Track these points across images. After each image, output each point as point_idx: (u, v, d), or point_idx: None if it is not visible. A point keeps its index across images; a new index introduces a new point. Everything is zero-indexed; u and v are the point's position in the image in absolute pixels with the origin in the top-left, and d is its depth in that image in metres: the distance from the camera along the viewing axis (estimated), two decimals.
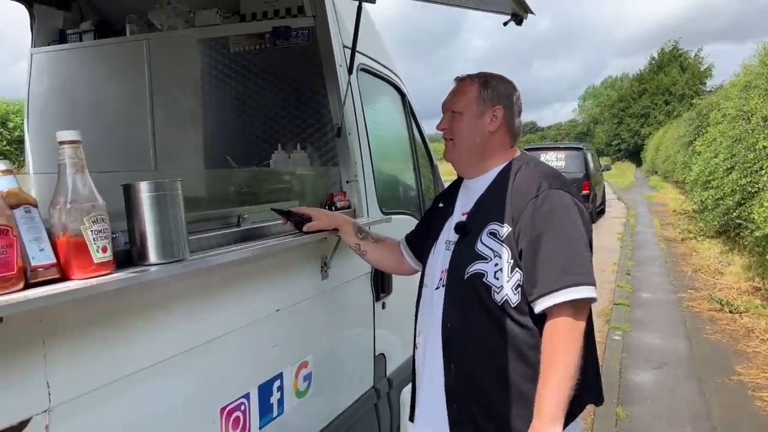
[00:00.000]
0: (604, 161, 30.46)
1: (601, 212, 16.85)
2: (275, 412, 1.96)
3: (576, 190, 1.72)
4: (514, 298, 1.59)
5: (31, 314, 1.14)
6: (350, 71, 2.51)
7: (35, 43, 3.24)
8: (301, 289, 2.11)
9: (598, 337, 5.91)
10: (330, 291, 2.29)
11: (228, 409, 1.74)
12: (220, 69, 2.88)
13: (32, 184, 2.99)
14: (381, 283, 2.72)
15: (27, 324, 1.15)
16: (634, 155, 46.05)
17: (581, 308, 1.54)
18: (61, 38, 3.26)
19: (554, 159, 14.99)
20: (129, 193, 1.40)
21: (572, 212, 1.60)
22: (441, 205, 1.92)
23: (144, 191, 1.40)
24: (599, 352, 5.44)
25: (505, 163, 1.74)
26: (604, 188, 17.91)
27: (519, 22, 2.37)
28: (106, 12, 3.29)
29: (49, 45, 3.25)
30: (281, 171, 2.57)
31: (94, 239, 1.24)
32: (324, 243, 2.20)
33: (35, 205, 1.21)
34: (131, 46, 3.02)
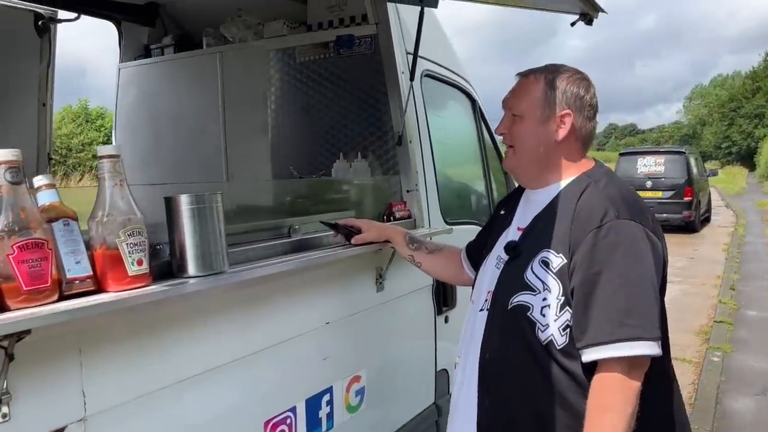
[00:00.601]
0: (710, 165, 28.53)
1: (706, 220, 15.73)
2: (324, 427, 1.93)
3: (653, 219, 1.46)
4: (561, 340, 1.39)
5: (67, 324, 1.16)
6: (412, 78, 2.45)
7: (122, 59, 3.44)
8: (354, 302, 2.07)
9: (695, 356, 5.47)
10: (386, 304, 2.23)
11: (273, 422, 1.72)
12: (286, 79, 2.92)
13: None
14: (443, 297, 2.63)
15: (63, 333, 1.18)
16: (746, 159, 42.75)
17: (637, 366, 1.32)
18: (146, 53, 3.43)
19: (653, 164, 14.18)
20: (170, 206, 1.42)
21: (641, 248, 1.36)
22: (502, 212, 1.75)
23: (184, 204, 1.41)
24: (695, 374, 5.07)
25: (572, 178, 1.52)
26: (709, 195, 16.71)
27: (589, 22, 2.20)
28: (186, 27, 3.43)
29: (135, 60, 3.44)
30: (339, 180, 2.55)
31: (129, 252, 1.26)
32: (379, 254, 2.15)
33: (75, 219, 1.25)
34: (206, 58, 3.14)
